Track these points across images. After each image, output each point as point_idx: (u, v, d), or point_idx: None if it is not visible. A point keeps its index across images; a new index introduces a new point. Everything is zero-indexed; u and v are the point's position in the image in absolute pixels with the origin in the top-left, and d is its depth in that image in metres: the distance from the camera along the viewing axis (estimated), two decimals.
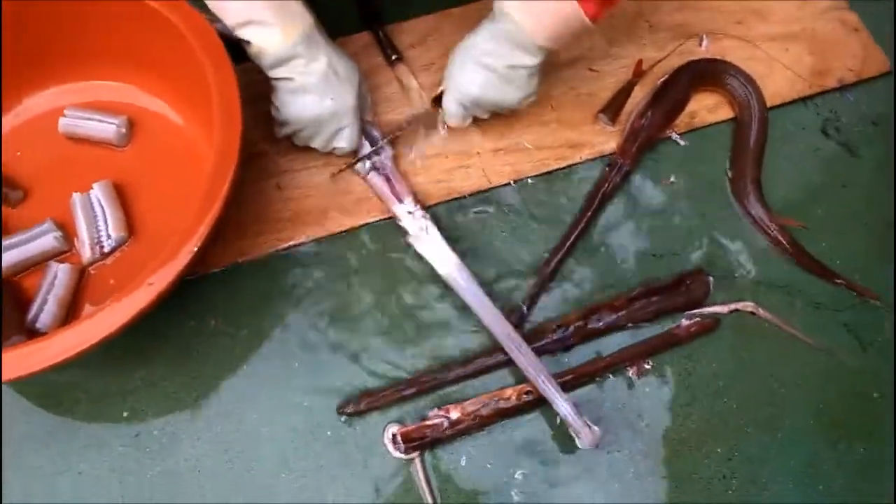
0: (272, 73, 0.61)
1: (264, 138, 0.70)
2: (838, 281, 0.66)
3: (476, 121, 0.69)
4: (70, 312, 0.63)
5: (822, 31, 0.78)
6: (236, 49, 0.65)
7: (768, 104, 0.73)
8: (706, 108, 0.73)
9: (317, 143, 0.66)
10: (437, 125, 0.71)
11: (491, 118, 0.68)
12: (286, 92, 0.62)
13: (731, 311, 0.66)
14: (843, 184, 0.71)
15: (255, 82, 0.71)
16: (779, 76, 0.75)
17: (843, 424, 0.62)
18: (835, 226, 0.69)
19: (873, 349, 0.65)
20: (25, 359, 0.50)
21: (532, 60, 0.60)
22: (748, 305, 0.66)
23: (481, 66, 0.62)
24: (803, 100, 0.75)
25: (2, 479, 0.59)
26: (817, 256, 0.67)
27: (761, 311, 0.65)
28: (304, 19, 0.59)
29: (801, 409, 0.63)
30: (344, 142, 0.65)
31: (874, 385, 0.63)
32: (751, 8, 0.79)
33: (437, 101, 0.68)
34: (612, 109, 0.72)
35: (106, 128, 0.68)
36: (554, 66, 0.73)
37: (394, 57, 0.73)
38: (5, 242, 0.63)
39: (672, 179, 0.71)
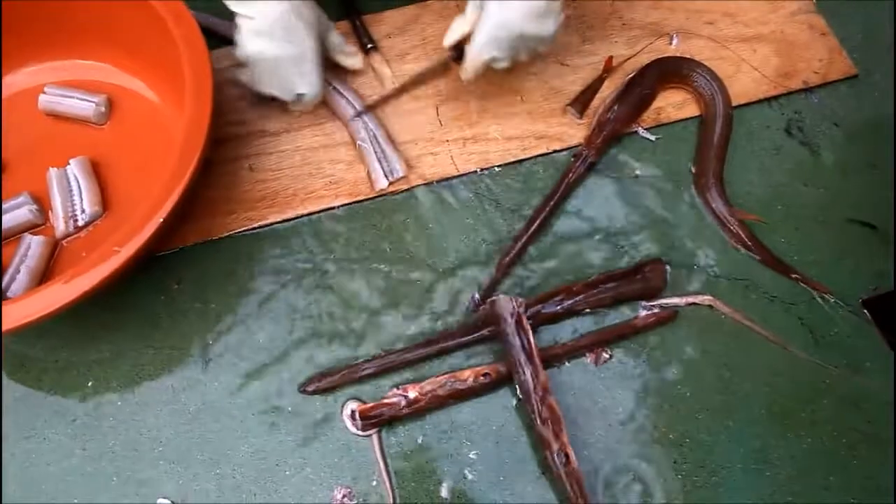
0: (234, 7, 0.60)
1: (238, 121, 0.72)
2: (794, 276, 0.68)
3: (443, 94, 0.67)
4: (41, 284, 0.64)
5: (790, 33, 0.79)
6: (213, 35, 0.67)
7: (734, 103, 0.74)
8: (673, 104, 0.75)
9: (278, 90, 0.65)
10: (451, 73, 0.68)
11: (458, 97, 0.68)
12: (246, 31, 0.61)
13: (690, 305, 0.67)
14: (804, 182, 0.73)
15: (230, 67, 0.73)
16: (745, 76, 0.77)
17: (793, 415, 0.63)
18: (794, 222, 0.71)
19: (825, 343, 0.66)
20: None
21: None
22: (706, 299, 0.67)
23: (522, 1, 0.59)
24: (768, 100, 0.76)
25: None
26: (775, 251, 0.69)
27: (719, 305, 0.67)
28: None
29: (752, 398, 0.64)
30: (305, 87, 0.64)
31: (825, 378, 0.65)
32: (723, 9, 0.81)
33: (456, 49, 0.66)
34: (581, 102, 0.73)
35: (85, 106, 0.70)
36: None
37: (369, 46, 0.75)
38: None
39: (636, 172, 0.72)
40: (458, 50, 0.66)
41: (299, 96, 0.66)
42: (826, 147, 0.75)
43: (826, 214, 0.72)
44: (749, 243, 0.69)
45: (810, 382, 0.65)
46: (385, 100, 0.70)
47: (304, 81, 0.65)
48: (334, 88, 0.71)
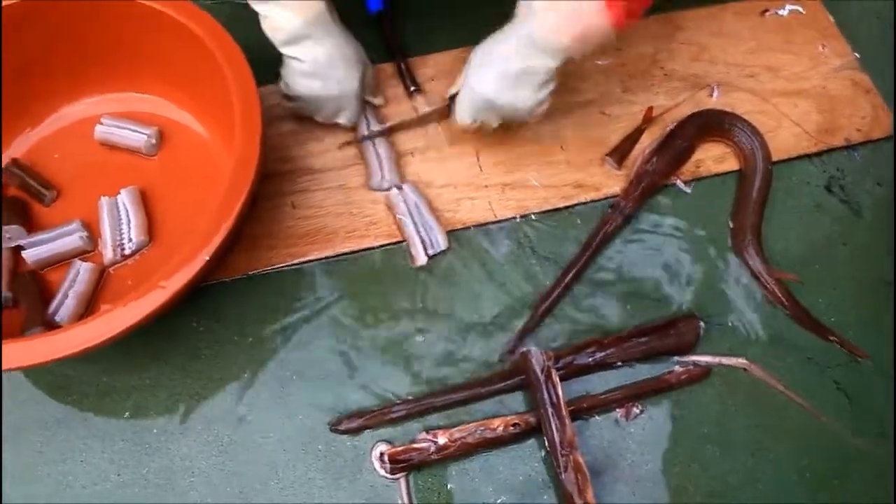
0: (284, 51, 0.65)
1: (283, 157, 0.74)
2: (831, 337, 0.67)
3: (484, 140, 0.70)
4: (88, 309, 0.66)
5: (832, 89, 0.79)
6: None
7: (774, 158, 0.74)
8: (712, 157, 0.75)
9: (321, 119, 0.72)
10: (447, 119, 0.74)
11: (499, 144, 0.70)
12: (295, 72, 0.66)
13: (724, 366, 0.66)
14: (844, 241, 0.72)
15: (278, 105, 0.75)
16: (786, 131, 0.76)
17: (825, 480, 0.62)
18: (832, 282, 0.70)
19: (860, 408, 0.65)
20: (35, 349, 0.53)
21: (549, 63, 0.61)
22: (741, 362, 0.66)
23: (497, 68, 0.63)
24: (809, 156, 0.76)
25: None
26: (812, 312, 0.68)
27: (754, 369, 0.66)
28: (318, 1, 0.62)
29: (784, 462, 0.63)
30: (344, 119, 0.72)
31: (859, 446, 0.64)
32: (765, 63, 0.81)
33: (453, 100, 0.70)
34: (620, 153, 0.74)
35: (137, 137, 0.72)
36: (568, 107, 0.76)
37: (412, 88, 0.77)
38: (36, 238, 0.67)
39: (673, 226, 0.72)
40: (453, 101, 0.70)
41: (337, 123, 0.73)
42: (868, 206, 0.74)
43: (866, 275, 0.71)
44: (786, 303, 0.68)
45: (844, 449, 0.64)
46: (381, 132, 0.74)
47: (344, 114, 0.71)
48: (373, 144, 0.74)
